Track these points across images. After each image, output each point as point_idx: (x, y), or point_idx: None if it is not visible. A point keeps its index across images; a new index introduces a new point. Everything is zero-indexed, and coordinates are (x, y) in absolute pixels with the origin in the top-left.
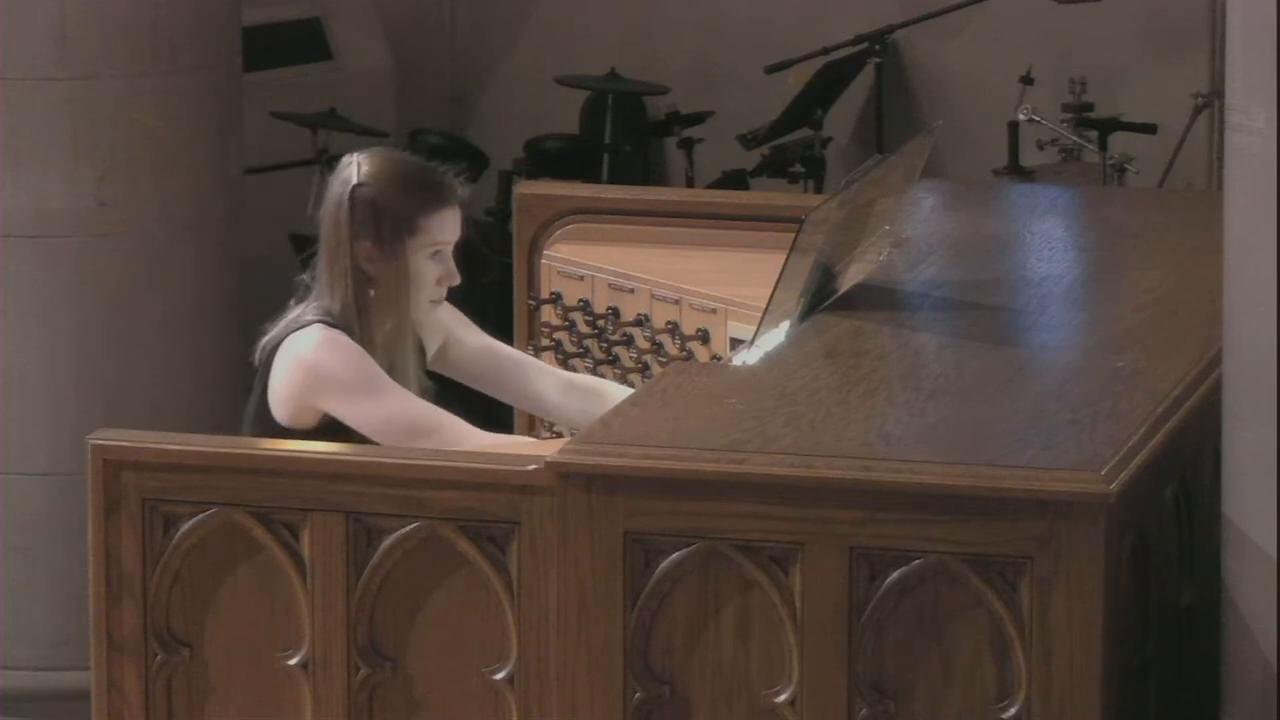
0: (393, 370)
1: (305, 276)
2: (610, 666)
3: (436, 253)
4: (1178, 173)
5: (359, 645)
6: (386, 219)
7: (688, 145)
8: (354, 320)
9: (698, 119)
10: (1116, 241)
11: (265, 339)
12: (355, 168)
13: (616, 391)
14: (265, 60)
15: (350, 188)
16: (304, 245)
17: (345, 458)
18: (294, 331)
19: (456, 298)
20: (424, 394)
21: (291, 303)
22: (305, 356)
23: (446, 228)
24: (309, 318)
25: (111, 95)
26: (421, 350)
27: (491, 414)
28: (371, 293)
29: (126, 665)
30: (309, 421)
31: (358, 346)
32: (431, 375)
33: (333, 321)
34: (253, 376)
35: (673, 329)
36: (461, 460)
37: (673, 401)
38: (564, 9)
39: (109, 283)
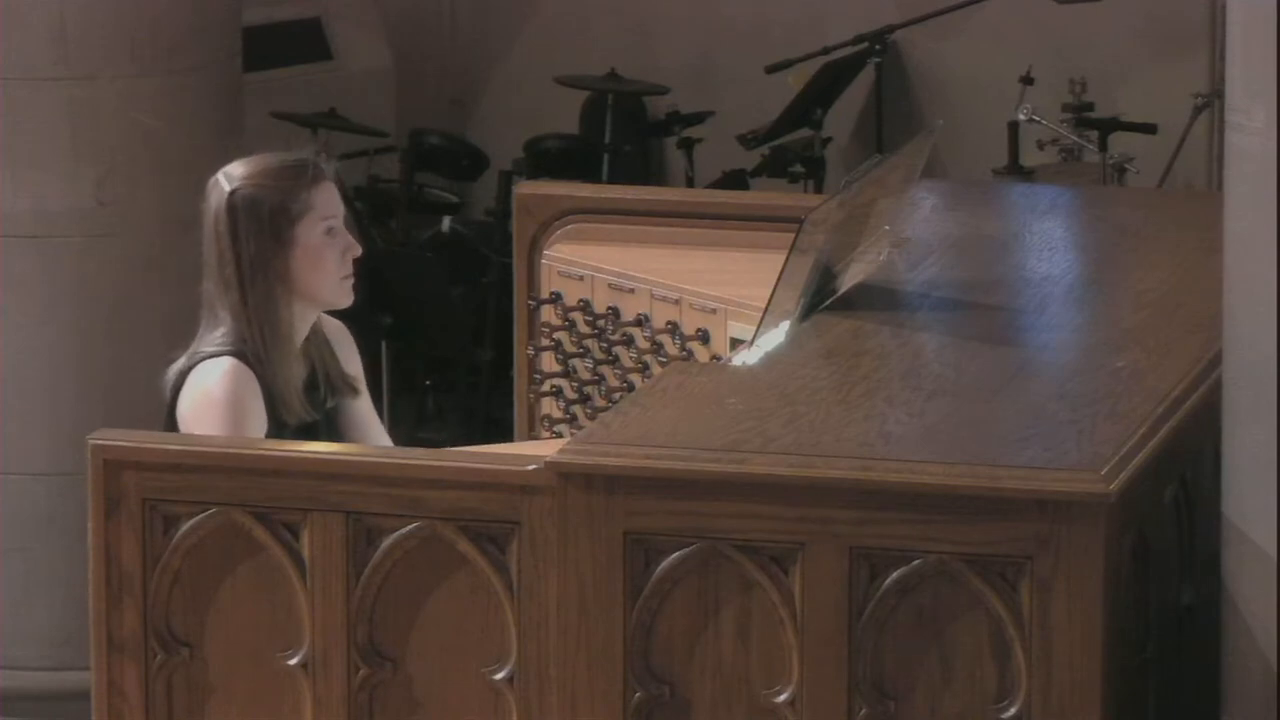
0: (313, 373)
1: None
2: (610, 666)
3: (330, 228)
4: (1178, 173)
5: (359, 645)
6: (272, 209)
7: (688, 145)
8: (266, 336)
9: (698, 119)
10: (1116, 241)
11: (173, 366)
12: (223, 179)
13: None
14: (265, 60)
15: (226, 196)
16: None
17: (345, 458)
18: (206, 360)
19: (459, 296)
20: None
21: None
22: (209, 389)
23: (331, 201)
24: (219, 345)
25: (111, 95)
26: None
27: (491, 414)
28: (280, 288)
29: (126, 665)
30: None
31: (254, 392)
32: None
33: (243, 350)
34: None
35: (673, 329)
36: (461, 460)
37: (673, 401)
38: (564, 9)
39: (109, 283)
